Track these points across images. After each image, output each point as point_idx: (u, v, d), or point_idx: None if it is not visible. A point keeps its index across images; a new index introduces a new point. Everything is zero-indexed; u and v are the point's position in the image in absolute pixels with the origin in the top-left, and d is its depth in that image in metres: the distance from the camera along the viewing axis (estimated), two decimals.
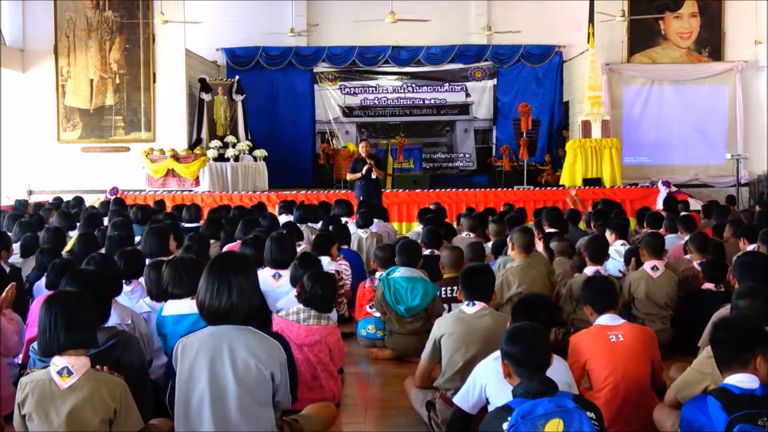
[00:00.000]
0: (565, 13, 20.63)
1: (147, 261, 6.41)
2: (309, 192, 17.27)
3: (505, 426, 3.58)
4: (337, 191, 17.63)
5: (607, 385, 4.81)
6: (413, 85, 22.66)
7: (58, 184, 18.14)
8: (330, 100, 22.65)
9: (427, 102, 22.67)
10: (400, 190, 16.96)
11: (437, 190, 17.31)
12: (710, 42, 19.81)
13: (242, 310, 3.99)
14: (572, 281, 7.49)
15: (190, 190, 17.24)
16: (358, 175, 13.90)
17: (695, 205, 13.99)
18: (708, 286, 6.96)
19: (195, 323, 5.24)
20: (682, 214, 11.19)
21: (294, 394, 4.17)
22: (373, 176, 13.89)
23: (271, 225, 9.85)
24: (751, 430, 3.47)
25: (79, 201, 13.83)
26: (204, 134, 18.74)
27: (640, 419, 4.87)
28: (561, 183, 18.11)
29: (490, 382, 4.37)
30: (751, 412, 3.52)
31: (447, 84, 22.55)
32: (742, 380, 3.69)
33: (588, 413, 3.59)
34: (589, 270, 7.28)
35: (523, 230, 7.60)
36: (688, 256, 8.16)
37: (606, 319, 5.08)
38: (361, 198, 13.70)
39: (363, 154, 13.89)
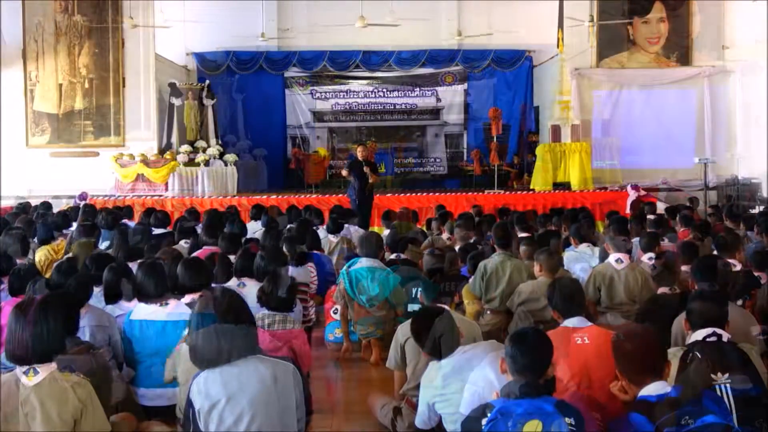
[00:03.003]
0: (535, 18, 20.74)
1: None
2: (280, 196, 17.24)
3: (484, 422, 3.65)
4: (308, 195, 17.64)
5: (570, 388, 4.81)
6: (384, 90, 22.71)
7: (26, 190, 17.94)
8: (301, 104, 22.65)
9: (398, 106, 22.72)
10: None
11: (408, 194, 17.35)
12: (678, 47, 19.95)
13: (243, 347, 4.00)
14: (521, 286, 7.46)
15: (160, 195, 17.18)
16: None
17: (662, 208, 14.09)
18: (663, 290, 7.00)
19: (162, 330, 5.31)
20: (650, 216, 11.31)
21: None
22: (370, 180, 13.84)
23: (240, 231, 9.80)
24: (678, 431, 3.52)
25: (47, 206, 13.71)
26: (174, 139, 18.69)
27: (604, 422, 4.88)
28: (531, 187, 18.20)
29: (435, 402, 4.48)
30: (673, 414, 3.59)
31: (418, 88, 22.63)
32: (656, 388, 3.81)
33: (566, 419, 3.63)
34: (542, 280, 7.12)
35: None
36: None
37: (573, 322, 5.05)
38: (357, 201, 13.70)
39: (360, 158, 13.87)
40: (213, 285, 6.01)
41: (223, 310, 4.09)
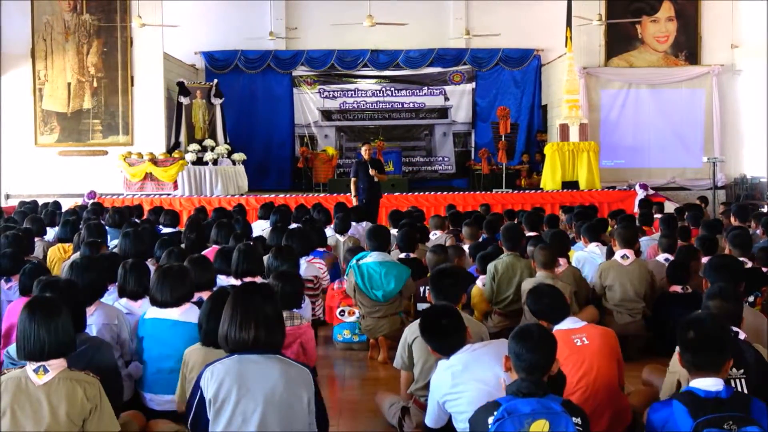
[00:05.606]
0: (543, 17, 20.72)
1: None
2: (288, 195, 17.30)
3: (490, 420, 3.63)
4: (316, 194, 17.69)
5: (579, 389, 4.75)
6: (392, 89, 22.68)
7: (35, 189, 17.98)
8: (309, 103, 22.63)
9: (406, 105, 22.69)
10: None
11: (416, 193, 17.40)
12: (687, 46, 19.94)
13: (268, 343, 3.95)
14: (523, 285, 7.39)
15: (168, 194, 17.22)
16: (353, 186, 13.94)
17: (670, 208, 14.06)
18: (675, 288, 6.96)
19: (172, 329, 5.30)
20: (657, 215, 11.27)
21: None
22: (375, 180, 13.82)
23: (244, 231, 9.77)
24: None
25: (56, 205, 13.72)
26: (182, 138, 18.71)
27: (613, 421, 4.86)
28: (542, 186, 18.18)
29: (445, 400, 4.44)
30: (717, 416, 3.52)
31: (426, 88, 22.59)
32: (708, 384, 3.69)
33: (574, 419, 3.62)
34: (540, 275, 7.06)
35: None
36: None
37: (566, 324, 4.99)
38: (363, 200, 13.69)
39: (365, 157, 13.85)
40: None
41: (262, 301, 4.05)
